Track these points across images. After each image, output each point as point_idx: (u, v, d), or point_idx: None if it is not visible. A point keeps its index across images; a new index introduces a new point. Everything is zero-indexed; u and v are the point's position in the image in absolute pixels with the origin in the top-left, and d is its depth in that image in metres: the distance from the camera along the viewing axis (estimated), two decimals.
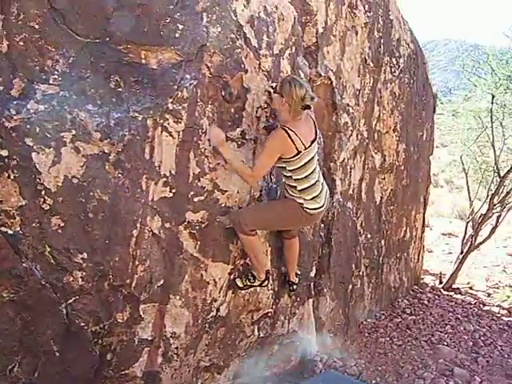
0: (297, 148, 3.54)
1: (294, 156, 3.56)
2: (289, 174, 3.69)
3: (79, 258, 3.10)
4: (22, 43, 3.00)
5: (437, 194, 17.95)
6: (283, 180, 3.87)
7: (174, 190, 3.30)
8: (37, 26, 3.03)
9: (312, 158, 3.69)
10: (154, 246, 3.32)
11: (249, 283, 3.94)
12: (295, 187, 3.72)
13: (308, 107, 3.60)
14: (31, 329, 3.11)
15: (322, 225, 5.26)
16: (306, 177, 3.68)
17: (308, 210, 3.76)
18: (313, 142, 3.69)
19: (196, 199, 3.43)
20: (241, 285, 3.92)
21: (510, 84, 9.17)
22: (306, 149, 3.59)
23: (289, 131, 3.52)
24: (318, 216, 3.94)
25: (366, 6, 5.69)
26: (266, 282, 4.03)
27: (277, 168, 3.94)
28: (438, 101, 9.75)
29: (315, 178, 3.75)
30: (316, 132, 3.78)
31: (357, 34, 5.60)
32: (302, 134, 3.57)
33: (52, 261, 3.06)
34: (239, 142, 3.66)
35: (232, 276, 3.86)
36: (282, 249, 4.40)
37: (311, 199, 3.74)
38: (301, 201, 3.74)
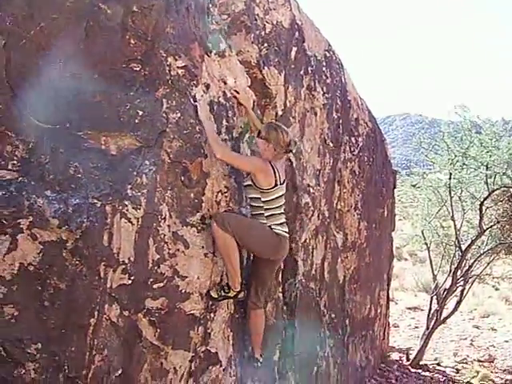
0: (275, 181, 3.93)
1: (272, 188, 3.94)
2: (260, 205, 4.00)
3: (33, 349, 2.96)
4: None
5: (401, 267, 18.10)
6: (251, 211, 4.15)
7: (132, 277, 3.23)
8: None
9: (282, 195, 4.09)
10: (113, 335, 3.21)
11: (223, 293, 3.89)
12: (262, 214, 4.02)
13: (291, 151, 4.16)
14: None
15: (285, 307, 5.20)
16: (275, 207, 4.03)
17: (277, 231, 4.02)
18: (284, 181, 4.10)
19: (155, 286, 3.36)
20: (215, 296, 3.85)
21: (466, 160, 9.47)
22: (281, 184, 4.01)
23: (272, 164, 3.94)
24: (285, 243, 4.15)
25: (325, 88, 5.89)
26: (242, 294, 4.02)
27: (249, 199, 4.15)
28: (398, 174, 9.99)
29: (281, 211, 4.13)
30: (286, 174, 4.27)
31: (316, 115, 5.77)
32: (279, 171, 4.00)
33: (3, 353, 2.93)
34: (199, 227, 3.64)
35: (193, 363, 3.74)
36: (248, 323, 4.36)
37: (278, 224, 4.06)
38: (269, 224, 4.01)
